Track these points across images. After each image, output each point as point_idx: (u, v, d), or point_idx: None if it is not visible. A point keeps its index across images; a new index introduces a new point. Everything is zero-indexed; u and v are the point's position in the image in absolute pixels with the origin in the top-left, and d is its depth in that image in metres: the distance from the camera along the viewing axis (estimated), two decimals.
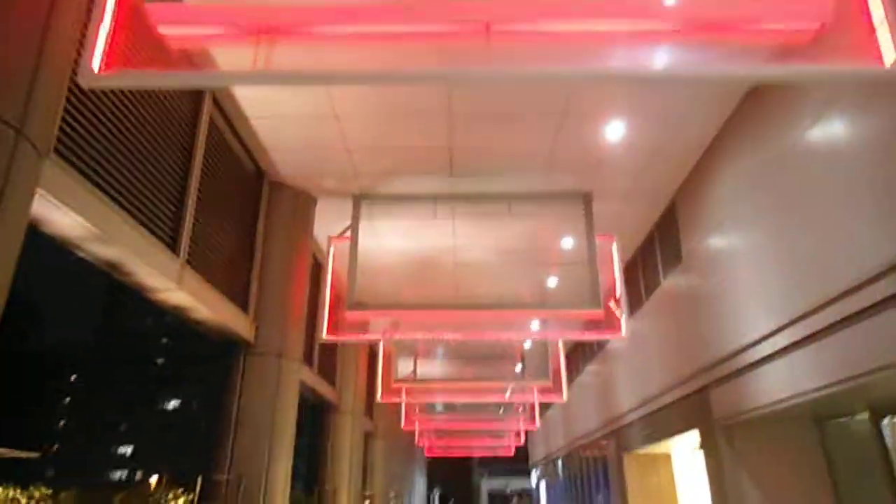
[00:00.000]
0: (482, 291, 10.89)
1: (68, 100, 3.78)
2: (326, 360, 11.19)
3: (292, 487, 11.48)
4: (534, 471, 29.32)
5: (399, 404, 16.89)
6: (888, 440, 5.60)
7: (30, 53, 3.11)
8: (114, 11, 3.30)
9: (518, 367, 16.00)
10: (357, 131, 6.79)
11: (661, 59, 4.92)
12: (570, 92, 6.20)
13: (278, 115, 6.56)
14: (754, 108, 6.13)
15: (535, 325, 10.76)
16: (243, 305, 7.00)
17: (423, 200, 8.14)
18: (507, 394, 15.54)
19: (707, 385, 7.40)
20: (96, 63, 3.21)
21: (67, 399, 55.08)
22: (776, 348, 5.71)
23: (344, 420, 11.75)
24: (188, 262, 5.49)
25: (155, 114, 5.02)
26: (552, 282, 9.87)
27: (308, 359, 9.93)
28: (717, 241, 7.11)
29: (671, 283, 8.65)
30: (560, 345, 13.29)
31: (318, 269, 9.30)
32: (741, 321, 6.51)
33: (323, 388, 10.72)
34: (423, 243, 9.71)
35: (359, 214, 8.06)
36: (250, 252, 7.28)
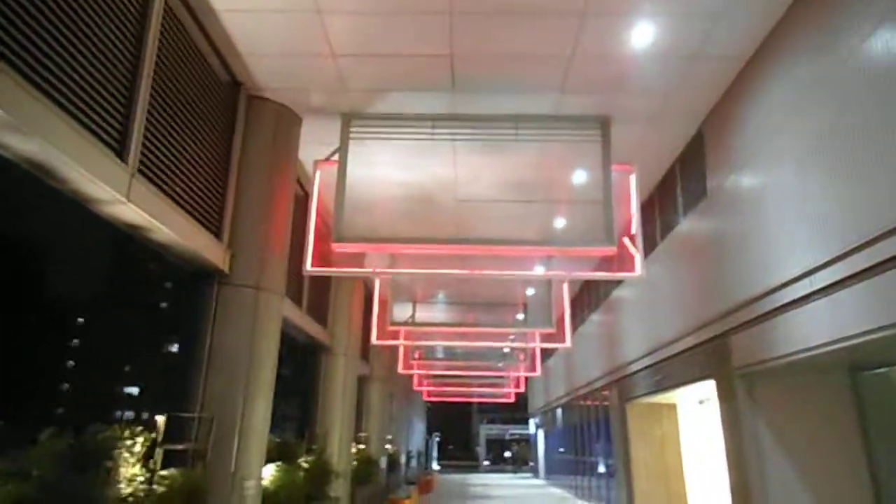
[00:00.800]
0: (485, 228, 10.17)
1: None
2: (317, 299, 10.58)
3: (282, 430, 11.16)
4: (532, 419, 29.31)
5: (398, 348, 16.46)
6: None
7: None
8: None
9: (520, 316, 15.45)
10: (344, 32, 5.91)
11: None
12: None
13: (253, 11, 5.67)
14: (807, 12, 5.22)
15: (540, 268, 10.05)
16: (216, 231, 6.29)
17: (421, 122, 7.31)
18: (509, 342, 15.05)
19: (727, 331, 6.73)
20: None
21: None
22: (814, 288, 4.99)
23: (336, 362, 11.23)
24: (141, 171, 4.74)
25: None
26: (562, 218, 9.11)
27: (296, 297, 9.32)
28: (750, 174, 6.31)
29: (692, 221, 7.88)
30: (565, 290, 12.64)
31: (305, 198, 8.56)
32: (772, 260, 5.78)
33: (313, 329, 10.15)
34: (420, 173, 8.92)
35: (348, 136, 7.25)
36: (224, 173, 6.52)
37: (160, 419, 5.32)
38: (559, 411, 20.32)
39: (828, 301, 4.84)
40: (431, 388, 24.26)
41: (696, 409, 10.08)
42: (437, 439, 41.02)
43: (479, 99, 7.02)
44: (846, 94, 4.63)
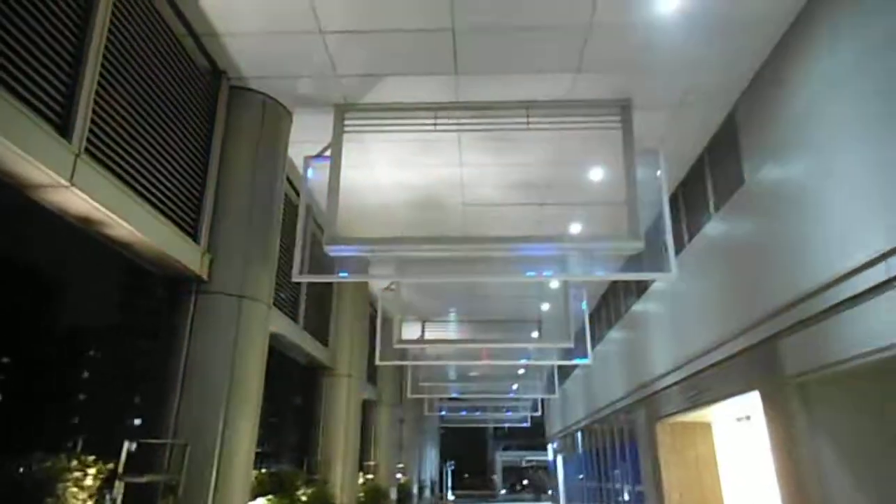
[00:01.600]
0: (495, 233, 9.40)
1: None
2: (317, 315, 9.83)
3: (280, 459, 10.31)
4: (551, 444, 28.14)
5: (406, 370, 15.62)
6: None
7: None
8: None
9: (535, 334, 14.60)
10: (331, 2, 5.25)
11: None
12: None
13: None
14: None
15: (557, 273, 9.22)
16: (192, 233, 5.59)
17: (422, 113, 6.63)
18: (524, 360, 14.21)
19: (775, 334, 5.88)
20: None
21: None
22: (892, 274, 4.17)
23: (339, 384, 10.43)
24: (89, 152, 4.06)
25: None
26: (582, 218, 8.32)
27: (292, 311, 8.57)
28: (798, 152, 5.53)
29: (726, 215, 7.08)
30: (584, 307, 11.83)
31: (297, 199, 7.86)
32: (832, 247, 4.96)
33: (312, 347, 9.38)
34: (422, 174, 8.23)
35: (342, 129, 6.57)
36: (202, 169, 5.84)
37: (124, 446, 4.57)
38: (579, 435, 19.26)
39: None
40: (444, 414, 23.29)
41: (736, 428, 9.13)
42: (452, 467, 39.71)
43: (485, 83, 6.33)
44: None
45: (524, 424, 28.34)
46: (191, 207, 5.59)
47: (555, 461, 27.22)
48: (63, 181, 3.76)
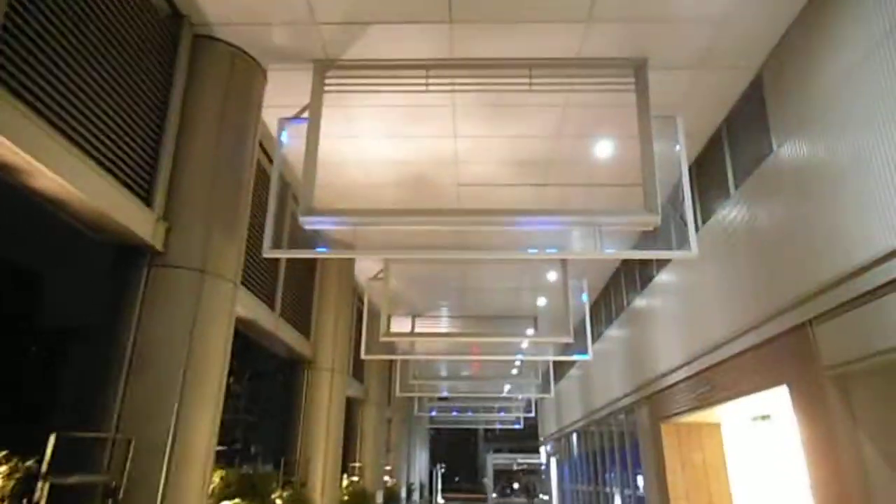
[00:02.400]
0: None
1: None
2: (297, 304, 9.09)
3: (260, 459, 9.55)
4: (544, 447, 27.45)
5: (395, 367, 14.88)
6: None
7: None
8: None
9: (531, 331, 13.91)
10: None
11: None
12: None
13: None
14: None
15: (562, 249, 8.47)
16: (144, 195, 4.85)
17: (412, 71, 5.92)
18: (520, 356, 13.53)
19: (809, 320, 5.20)
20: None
21: None
22: None
23: (320, 378, 9.67)
24: (5, 83, 3.32)
25: None
26: (588, 196, 7.60)
27: (268, 297, 7.83)
28: (839, 115, 4.85)
29: (749, 191, 6.40)
30: (585, 298, 11.16)
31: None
32: (874, 224, 4.29)
33: (290, 337, 8.64)
34: (411, 148, 7.50)
35: (322, 88, 5.85)
36: (157, 125, 5.10)
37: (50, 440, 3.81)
38: (574, 437, 18.56)
39: None
40: (434, 414, 22.55)
41: (750, 429, 8.46)
42: (442, 470, 38.93)
43: (484, 37, 5.62)
44: None
45: (516, 426, 27.67)
46: (143, 167, 4.85)
47: (548, 464, 26.52)
48: None
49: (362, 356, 10.56)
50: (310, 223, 5.45)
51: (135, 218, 4.63)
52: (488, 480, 41.67)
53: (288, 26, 5.52)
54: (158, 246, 4.90)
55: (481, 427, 39.49)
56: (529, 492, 40.50)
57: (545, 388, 16.36)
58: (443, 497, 37.57)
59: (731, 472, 9.00)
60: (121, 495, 4.19)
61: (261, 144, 6.61)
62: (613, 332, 12.83)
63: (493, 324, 13.96)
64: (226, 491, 6.58)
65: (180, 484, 4.58)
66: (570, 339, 9.97)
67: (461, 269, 11.72)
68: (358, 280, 11.78)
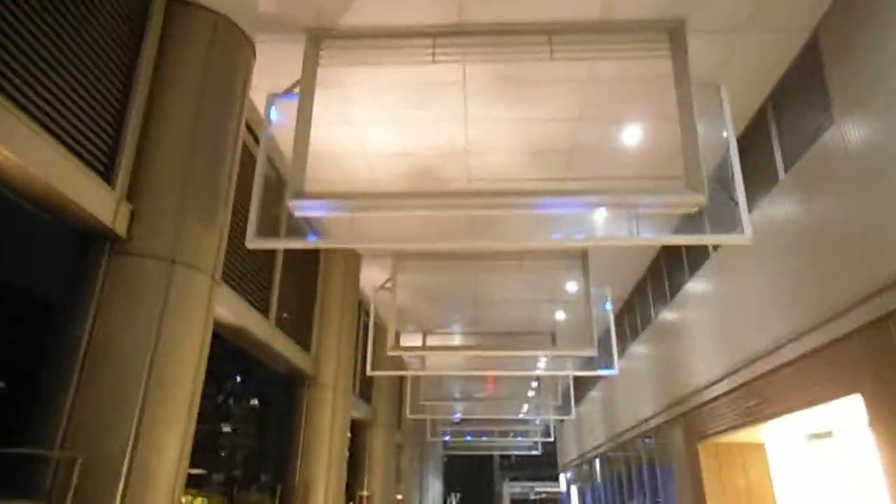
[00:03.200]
0: (510, 227, 7.87)
1: None
2: (296, 314, 8.35)
3: (255, 484, 8.70)
4: (563, 474, 26.22)
5: (405, 386, 14.03)
6: None
7: None
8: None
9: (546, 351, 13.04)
10: None
11: None
12: None
13: None
14: None
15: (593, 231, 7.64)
16: (104, 172, 4.17)
17: (416, 40, 5.25)
18: (538, 370, 12.68)
19: (889, 313, 4.36)
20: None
21: None
22: None
23: (322, 397, 8.87)
24: None
25: None
26: (616, 181, 6.82)
27: (261, 304, 7.10)
28: None
29: (803, 172, 5.61)
30: (608, 307, 10.32)
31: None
32: None
33: (287, 349, 7.88)
34: (418, 134, 6.81)
35: (315, 61, 5.21)
36: (122, 95, 4.44)
37: None
38: (597, 462, 17.48)
39: None
40: (448, 439, 21.54)
41: (805, 448, 7.51)
42: (458, 499, 37.49)
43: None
44: None
45: (534, 452, 26.49)
46: (102, 139, 4.17)
47: (568, 493, 25.29)
48: None
49: (368, 372, 9.74)
50: (300, 208, 4.75)
51: (93, 197, 3.94)
52: None
53: None
54: (121, 231, 4.20)
55: (496, 454, 38.17)
56: None
57: (565, 409, 15.39)
58: None
59: (779, 498, 8.02)
60: None
61: (251, 128, 5.95)
62: (639, 347, 11.93)
63: (508, 340, 13.11)
64: None
65: None
66: (593, 352, 9.11)
67: (473, 280, 10.94)
68: (364, 292, 11.03)
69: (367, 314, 11.61)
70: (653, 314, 10.95)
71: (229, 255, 5.94)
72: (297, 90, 5.12)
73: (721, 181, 4.97)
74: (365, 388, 12.47)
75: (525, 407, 17.50)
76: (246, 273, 6.55)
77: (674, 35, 5.09)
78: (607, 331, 10.50)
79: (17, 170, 3.44)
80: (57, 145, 3.68)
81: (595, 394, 16.59)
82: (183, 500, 5.52)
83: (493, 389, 14.97)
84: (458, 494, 38.03)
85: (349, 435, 10.56)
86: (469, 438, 22.10)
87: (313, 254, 9.31)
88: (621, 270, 11.03)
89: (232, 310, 5.96)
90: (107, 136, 4.21)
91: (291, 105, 5.11)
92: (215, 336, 6.55)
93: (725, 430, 7.66)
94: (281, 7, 5.08)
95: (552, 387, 14.80)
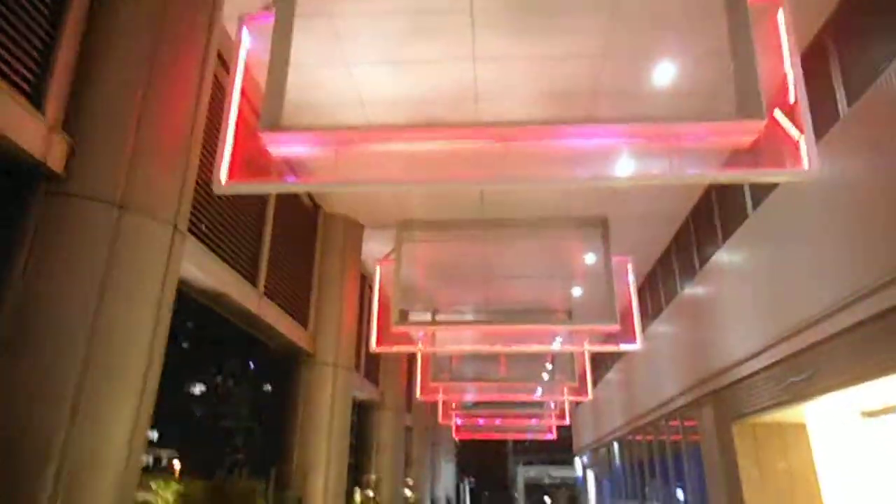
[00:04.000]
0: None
1: None
2: (291, 286, 7.67)
3: (245, 469, 8.16)
4: (579, 459, 25.59)
5: (414, 367, 13.37)
6: None
7: None
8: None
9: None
10: None
11: None
12: None
13: None
14: None
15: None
16: (28, 91, 3.46)
17: None
18: (557, 343, 11.99)
19: None
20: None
21: None
22: None
23: (321, 376, 8.21)
24: None
25: None
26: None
27: (249, 271, 6.41)
28: None
29: (872, 105, 4.77)
30: (631, 279, 9.53)
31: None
32: None
33: (283, 324, 7.22)
34: (419, 78, 6.03)
35: None
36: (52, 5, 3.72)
37: None
38: (616, 446, 16.76)
39: None
40: (460, 422, 20.92)
41: (857, 427, 6.71)
42: (471, 484, 37.04)
43: None
44: None
45: (549, 436, 25.84)
46: (25, 49, 3.45)
47: (584, 477, 24.65)
48: None
49: (372, 348, 9.06)
50: (275, 143, 4.01)
51: (10, 118, 3.23)
52: (519, 495, 39.74)
53: None
54: (56, 167, 3.50)
55: (510, 438, 37.63)
56: None
57: (582, 390, 14.67)
58: None
59: (824, 483, 7.24)
60: None
61: (222, 59, 5.18)
62: (662, 323, 11.15)
63: (522, 318, 12.36)
64: None
65: (77, 502, 3.13)
66: (615, 326, 8.35)
67: (483, 253, 10.19)
68: (369, 266, 10.33)
69: (372, 289, 10.93)
70: (678, 287, 10.15)
71: (205, 209, 5.26)
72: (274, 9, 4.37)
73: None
74: (372, 368, 11.82)
75: (539, 390, 16.81)
76: (227, 231, 5.84)
77: None
78: (627, 306, 9.72)
79: None
80: None
81: (612, 375, 15.84)
82: (153, 485, 4.88)
83: (507, 371, 14.27)
84: (472, 479, 37.61)
85: (354, 417, 9.94)
86: (481, 423, 21.45)
87: (310, 220, 8.61)
88: (644, 241, 10.21)
89: (207, 270, 5.27)
90: (31, 47, 3.48)
91: (270, 30, 4.36)
92: (197, 303, 5.90)
93: (765, 409, 6.89)
94: None
95: (568, 369, 14.08)
